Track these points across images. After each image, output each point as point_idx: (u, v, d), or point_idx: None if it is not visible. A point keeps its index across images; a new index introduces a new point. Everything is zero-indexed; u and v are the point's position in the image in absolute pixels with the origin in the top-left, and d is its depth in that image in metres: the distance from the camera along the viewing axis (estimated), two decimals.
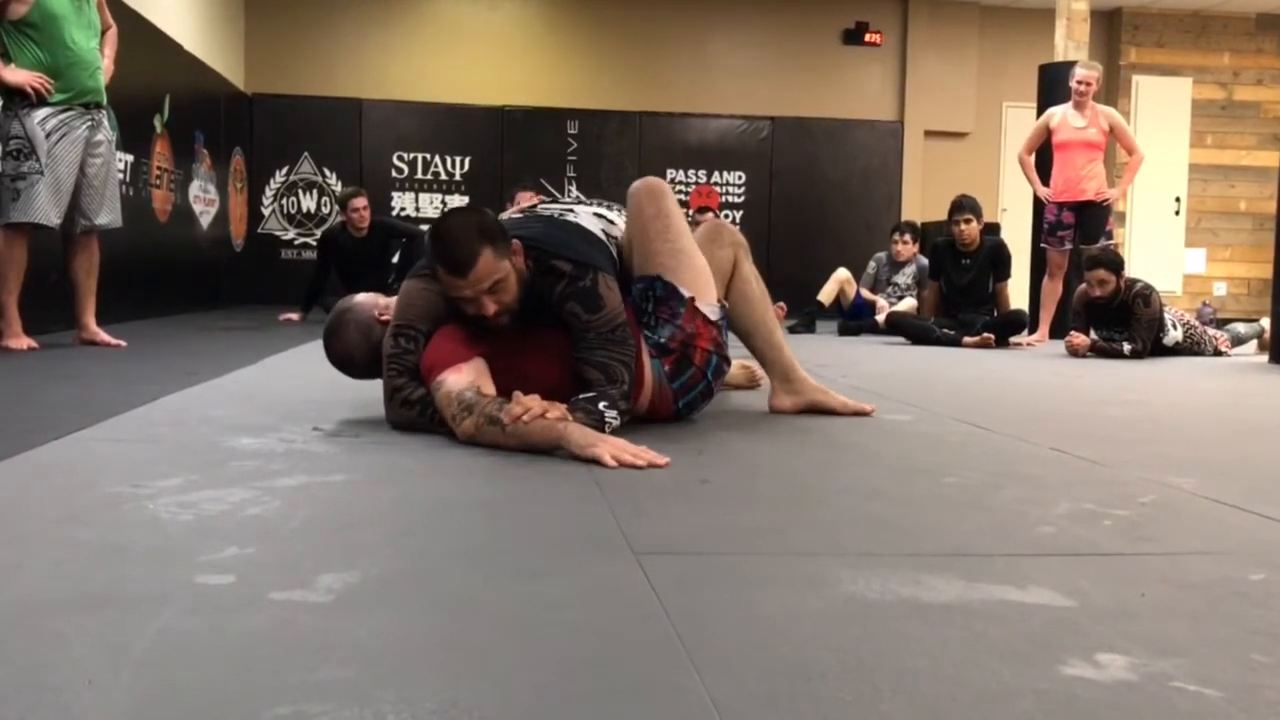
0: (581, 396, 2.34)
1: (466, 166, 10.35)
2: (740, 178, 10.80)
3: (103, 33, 4.71)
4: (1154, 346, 5.86)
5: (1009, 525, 1.65)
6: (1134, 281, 5.90)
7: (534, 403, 2.18)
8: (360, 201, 7.07)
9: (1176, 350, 6.00)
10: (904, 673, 1.00)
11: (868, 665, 1.02)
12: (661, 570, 1.33)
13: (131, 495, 1.68)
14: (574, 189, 10.44)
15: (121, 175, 6.16)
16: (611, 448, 2.08)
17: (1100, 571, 1.38)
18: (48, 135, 4.36)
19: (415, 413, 2.42)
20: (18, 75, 4.31)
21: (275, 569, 1.29)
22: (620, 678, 0.98)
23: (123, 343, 4.66)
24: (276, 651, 1.02)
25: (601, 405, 2.31)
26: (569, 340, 2.44)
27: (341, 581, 1.24)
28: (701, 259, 2.68)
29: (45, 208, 4.35)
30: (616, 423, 2.33)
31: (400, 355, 2.48)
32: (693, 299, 2.59)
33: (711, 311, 2.62)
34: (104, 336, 4.65)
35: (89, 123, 4.51)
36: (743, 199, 10.78)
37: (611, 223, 2.75)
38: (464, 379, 2.31)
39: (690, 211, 9.98)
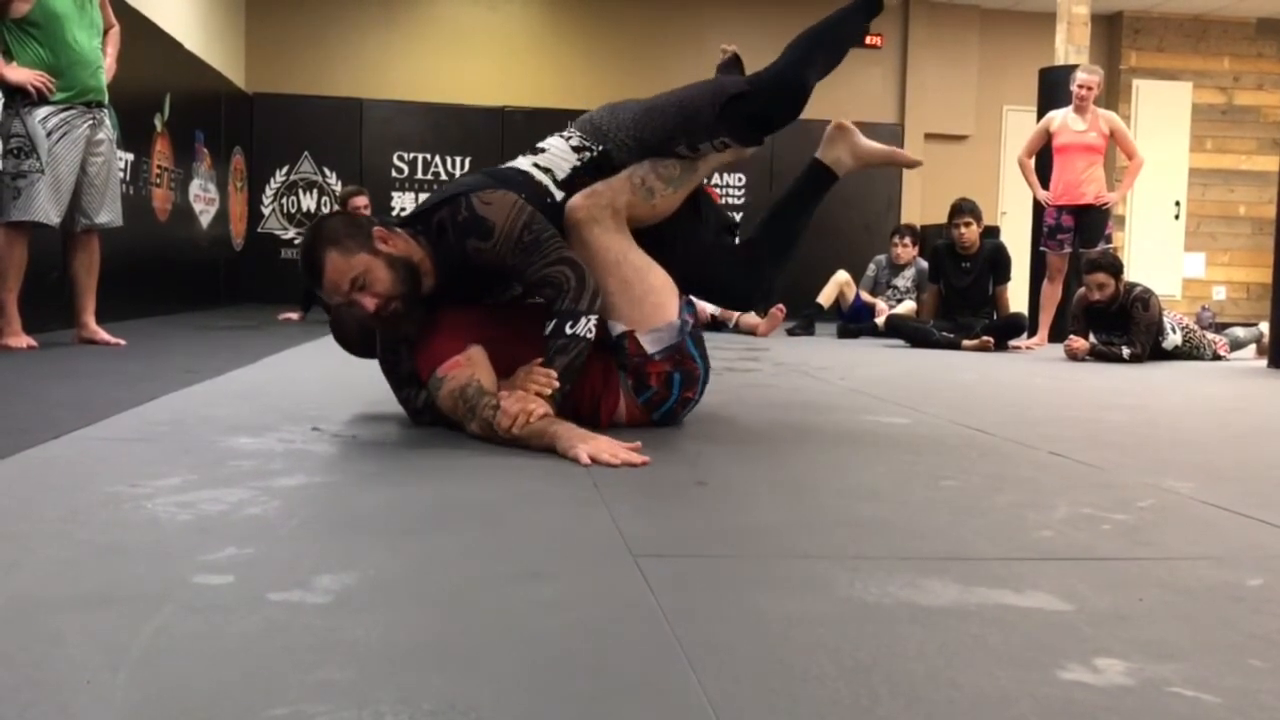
0: (547, 334, 2.28)
1: (467, 167, 10.35)
2: (740, 180, 10.80)
3: (105, 31, 4.72)
4: (1153, 350, 5.86)
5: (1007, 529, 1.65)
6: (1133, 285, 5.90)
7: (518, 407, 2.17)
8: (361, 200, 7.06)
9: (1175, 354, 6.00)
10: (901, 676, 1.00)
11: (865, 668, 1.02)
12: (659, 572, 1.33)
13: (130, 495, 1.68)
14: None
15: (122, 174, 6.16)
16: (591, 448, 2.07)
17: (1098, 576, 1.38)
18: (49, 134, 4.36)
19: (429, 419, 2.44)
20: (19, 74, 4.31)
21: (274, 569, 1.30)
22: (618, 679, 0.98)
23: (122, 341, 4.66)
24: (275, 652, 1.02)
25: (568, 329, 2.26)
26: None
27: (340, 582, 1.24)
28: (646, 282, 2.47)
29: (46, 206, 4.35)
30: (592, 327, 2.29)
31: (390, 370, 2.51)
32: (631, 333, 2.45)
33: (651, 342, 2.44)
34: (103, 335, 4.65)
35: (90, 121, 4.51)
36: (743, 201, 10.78)
37: (541, 150, 2.61)
38: (464, 374, 2.30)
39: None
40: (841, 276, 7.79)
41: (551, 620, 1.14)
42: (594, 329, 2.30)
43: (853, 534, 1.60)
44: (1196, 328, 6.26)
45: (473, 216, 2.33)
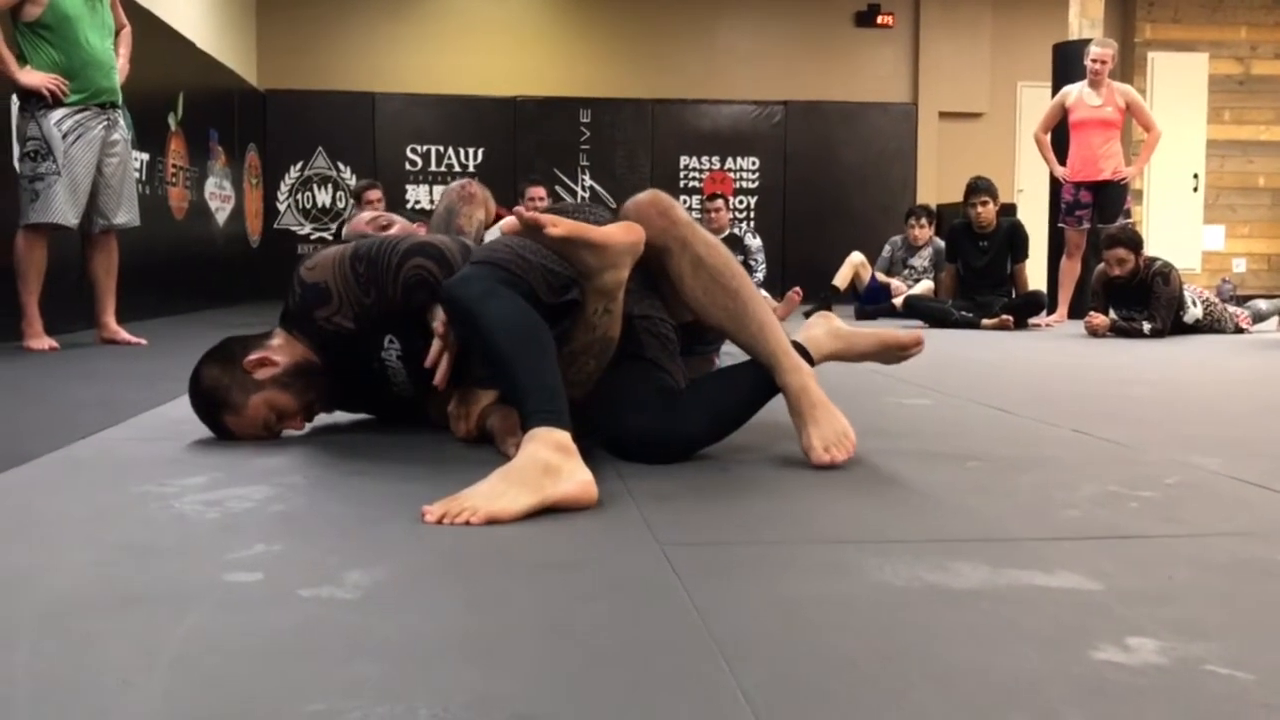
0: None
1: (480, 158, 10.36)
2: (754, 163, 10.76)
3: (117, 32, 4.73)
4: (1174, 325, 5.82)
5: (1034, 509, 1.64)
6: (1153, 260, 5.86)
7: (467, 416, 2.16)
8: (375, 194, 7.07)
9: (1197, 328, 5.95)
10: (933, 660, 1.00)
11: (897, 653, 1.02)
12: (687, 561, 1.33)
13: (157, 494, 1.69)
14: (587, 178, 10.44)
15: (137, 174, 6.18)
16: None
17: (1127, 554, 1.37)
18: (64, 136, 4.38)
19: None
20: (33, 77, 4.33)
21: (303, 566, 1.30)
22: (649, 669, 0.98)
23: (143, 341, 4.69)
24: (307, 648, 1.02)
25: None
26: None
27: (369, 577, 1.25)
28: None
29: (63, 208, 4.37)
30: None
31: None
32: None
33: None
34: (125, 335, 4.68)
35: (105, 122, 4.53)
36: (757, 184, 10.75)
37: None
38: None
39: (703, 197, 9.94)
40: (856, 258, 7.77)
41: (581, 611, 1.14)
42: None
43: (879, 518, 1.60)
44: (1217, 301, 6.21)
45: (304, 289, 2.16)
